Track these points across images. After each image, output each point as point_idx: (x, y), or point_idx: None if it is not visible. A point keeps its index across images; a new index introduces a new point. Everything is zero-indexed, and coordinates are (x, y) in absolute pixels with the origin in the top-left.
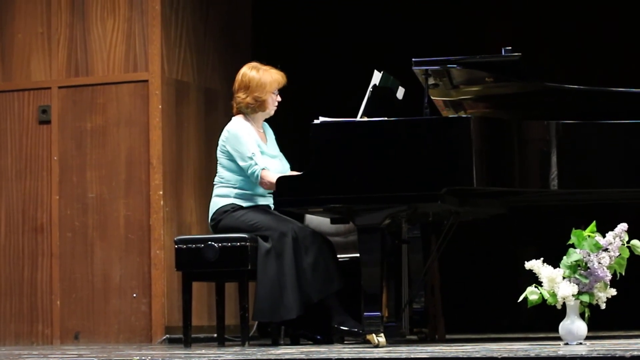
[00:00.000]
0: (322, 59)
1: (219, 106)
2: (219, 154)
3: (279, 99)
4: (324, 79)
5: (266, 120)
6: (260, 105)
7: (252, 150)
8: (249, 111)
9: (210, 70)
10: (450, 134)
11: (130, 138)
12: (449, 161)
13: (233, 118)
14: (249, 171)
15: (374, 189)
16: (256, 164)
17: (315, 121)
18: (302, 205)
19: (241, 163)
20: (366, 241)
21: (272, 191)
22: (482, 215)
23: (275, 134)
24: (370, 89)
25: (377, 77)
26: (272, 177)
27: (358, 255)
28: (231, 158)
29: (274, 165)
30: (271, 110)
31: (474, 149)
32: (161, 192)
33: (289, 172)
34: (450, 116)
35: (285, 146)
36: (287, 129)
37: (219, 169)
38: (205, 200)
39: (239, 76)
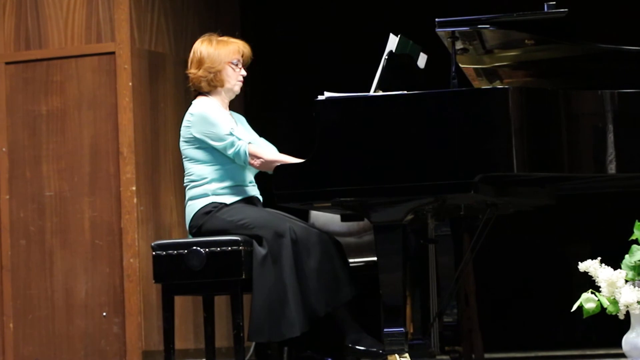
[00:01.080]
0: (324, 21)
1: None
2: (183, 146)
3: (242, 72)
4: (327, 45)
5: (245, 113)
6: (215, 77)
7: (228, 125)
8: (205, 86)
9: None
10: (484, 109)
11: (94, 123)
12: (484, 142)
13: (193, 101)
14: (232, 150)
15: (392, 177)
16: (239, 139)
17: (320, 97)
18: (305, 200)
19: (217, 144)
20: (384, 241)
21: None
22: (525, 207)
23: (266, 119)
24: (385, 56)
25: (393, 42)
26: (263, 152)
27: (375, 258)
28: (200, 146)
29: None
30: (233, 84)
31: (513, 127)
32: (134, 188)
33: (288, 157)
34: (484, 87)
35: (281, 136)
36: (281, 111)
37: (186, 165)
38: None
39: (191, 51)
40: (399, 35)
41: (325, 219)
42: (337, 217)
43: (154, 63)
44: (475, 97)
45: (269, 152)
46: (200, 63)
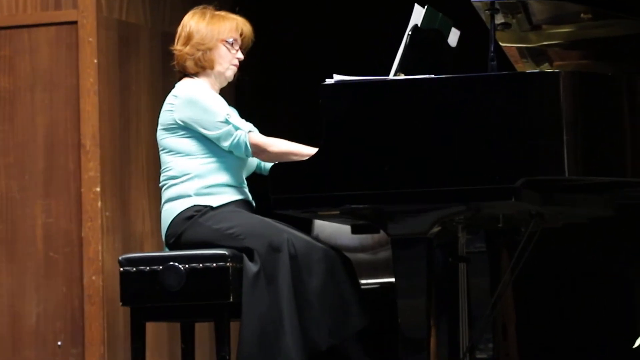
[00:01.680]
0: (320, 18)
1: None
2: (162, 135)
3: (239, 55)
4: (323, 42)
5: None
6: (204, 56)
7: (223, 110)
8: (191, 66)
9: (170, 8)
10: (529, 98)
11: (51, 109)
12: (528, 138)
13: (177, 84)
14: (228, 142)
15: (415, 180)
16: (237, 128)
17: (328, 81)
18: (308, 207)
19: (210, 133)
20: (405, 259)
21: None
22: (578, 218)
23: (264, 109)
24: (408, 32)
25: (418, 15)
26: (269, 141)
27: (392, 280)
28: (184, 134)
29: None
30: (225, 67)
31: (564, 120)
32: (98, 189)
33: (301, 147)
34: (529, 71)
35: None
36: (284, 99)
37: (165, 158)
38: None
39: (179, 26)
40: (425, 6)
41: (332, 230)
42: (347, 228)
43: (125, 36)
44: (519, 83)
45: (276, 141)
46: (188, 39)
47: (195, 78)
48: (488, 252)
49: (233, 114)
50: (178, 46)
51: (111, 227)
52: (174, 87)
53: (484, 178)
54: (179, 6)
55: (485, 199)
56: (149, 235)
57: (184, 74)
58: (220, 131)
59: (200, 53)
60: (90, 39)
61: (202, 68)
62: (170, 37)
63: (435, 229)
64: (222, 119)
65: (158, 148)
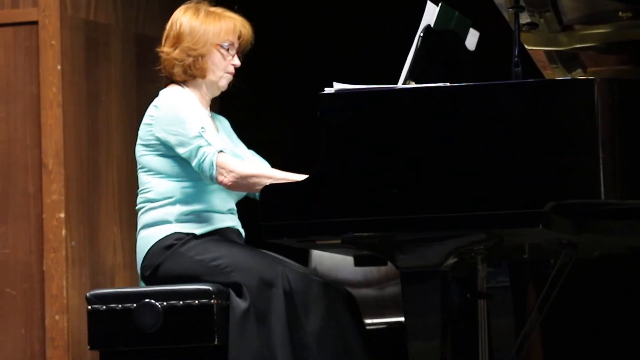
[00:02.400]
0: (316, 16)
1: (159, 66)
2: (140, 151)
3: (235, 61)
4: (320, 41)
5: (219, 108)
6: (195, 64)
7: (199, 123)
8: (179, 73)
9: (146, 6)
10: (560, 110)
11: (7, 122)
12: (558, 156)
13: (161, 91)
14: (197, 159)
15: (428, 204)
16: (208, 144)
17: (327, 90)
18: (305, 235)
19: (181, 150)
20: (416, 295)
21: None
22: (616, 248)
23: (257, 126)
24: (419, 33)
25: (431, 13)
26: (238, 165)
27: (402, 319)
28: (164, 153)
29: None
30: (218, 76)
31: (600, 135)
32: (62, 215)
33: (280, 174)
34: (560, 79)
35: (274, 148)
36: (279, 101)
37: (143, 178)
38: (137, 224)
39: (168, 23)
40: (439, 4)
41: (332, 262)
42: (349, 260)
43: (93, 38)
44: (547, 92)
45: (249, 165)
46: (177, 40)
47: (183, 87)
48: (512, 287)
49: (210, 129)
50: (165, 47)
51: (77, 259)
52: (157, 94)
53: (507, 202)
54: (155, 4)
55: (508, 226)
56: (120, 268)
57: (171, 80)
58: (190, 147)
59: (190, 60)
60: (53, 42)
61: (191, 77)
62: (145, 39)
63: (451, 261)
64: (196, 133)
65: (132, 166)
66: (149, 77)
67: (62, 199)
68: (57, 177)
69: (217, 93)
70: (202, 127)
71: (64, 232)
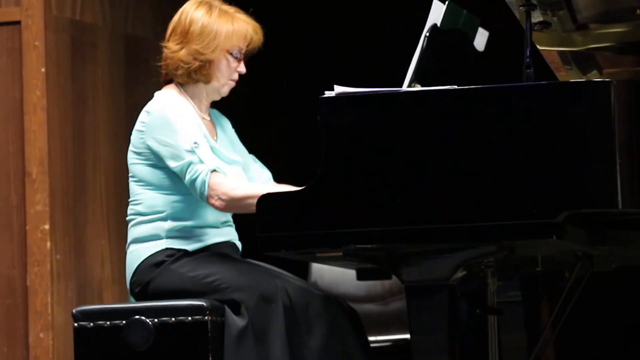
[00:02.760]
0: (317, 15)
1: (149, 68)
2: (132, 159)
3: (241, 69)
4: (321, 40)
5: (218, 107)
6: (202, 69)
7: (192, 137)
8: (182, 76)
9: (135, 4)
10: (574, 113)
11: None
12: (572, 162)
13: (156, 93)
14: (188, 176)
15: (434, 214)
16: (201, 162)
17: (328, 93)
18: (304, 247)
19: (171, 164)
20: (422, 311)
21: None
22: (635, 260)
23: (256, 129)
24: (425, 33)
25: (438, 12)
26: (231, 186)
27: (407, 336)
28: (156, 163)
29: (233, 173)
30: (222, 83)
31: (617, 140)
32: (47, 227)
33: (277, 186)
34: (574, 80)
35: (271, 153)
36: (276, 115)
37: (134, 189)
38: (126, 236)
39: (177, 15)
40: (447, 2)
41: (333, 276)
42: (352, 273)
43: (80, 38)
44: (561, 95)
45: (243, 186)
46: (185, 38)
47: (181, 90)
48: (524, 302)
49: (203, 145)
50: (171, 43)
51: (63, 273)
52: (147, 98)
53: (519, 211)
54: (145, 3)
55: (520, 237)
56: (109, 283)
57: (170, 79)
58: (182, 162)
59: (197, 64)
60: (37, 43)
61: (193, 80)
62: (134, 40)
63: (460, 274)
64: (188, 148)
65: (121, 174)
66: (138, 79)
67: (47, 209)
68: (42, 186)
69: (217, 98)
70: (195, 142)
71: (48, 244)
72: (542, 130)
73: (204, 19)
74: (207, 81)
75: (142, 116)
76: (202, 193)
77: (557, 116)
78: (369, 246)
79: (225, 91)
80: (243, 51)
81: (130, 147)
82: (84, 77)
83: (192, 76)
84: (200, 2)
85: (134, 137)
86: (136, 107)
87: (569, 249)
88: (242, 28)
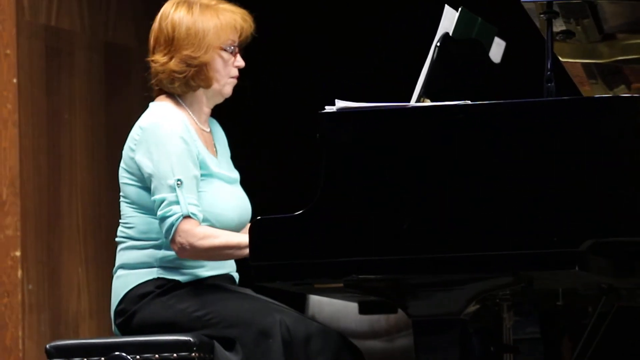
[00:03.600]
0: (311, 13)
1: (132, 79)
2: (124, 177)
3: (239, 62)
4: (315, 38)
5: (215, 116)
6: (199, 73)
7: (178, 171)
8: (180, 88)
9: (116, 9)
10: (600, 131)
11: None
12: (597, 185)
13: (151, 104)
14: (160, 212)
15: (444, 242)
16: (177, 203)
17: (328, 108)
18: (302, 277)
19: (153, 197)
20: (431, 349)
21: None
22: None
23: (245, 142)
24: (436, 43)
25: (450, 20)
26: (199, 236)
27: None
28: (147, 184)
29: (233, 196)
30: (223, 83)
31: None
32: (18, 254)
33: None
34: (599, 96)
35: (267, 169)
36: (273, 100)
37: (125, 209)
38: (107, 267)
39: (155, 22)
40: (459, 9)
41: (333, 309)
42: (354, 307)
43: (55, 47)
44: (586, 111)
45: (214, 234)
46: (173, 45)
47: (179, 102)
48: (543, 339)
49: (188, 182)
50: (158, 56)
51: (35, 305)
52: (128, 112)
53: (538, 239)
54: (127, 8)
55: (539, 268)
56: (86, 315)
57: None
58: (159, 196)
59: (193, 70)
60: (8, 51)
61: (193, 88)
62: (115, 48)
63: (472, 308)
64: (170, 182)
65: (100, 196)
66: (119, 92)
67: (18, 234)
68: (12, 209)
69: (220, 101)
70: (178, 180)
71: (19, 273)
72: (564, 150)
73: (187, 20)
74: (208, 85)
75: (135, 131)
76: (167, 235)
77: (580, 135)
78: (373, 276)
79: (227, 91)
80: (236, 44)
81: (122, 164)
82: (60, 89)
83: (190, 85)
84: (178, 3)
85: (126, 153)
86: (117, 123)
87: (593, 281)
88: (230, 19)
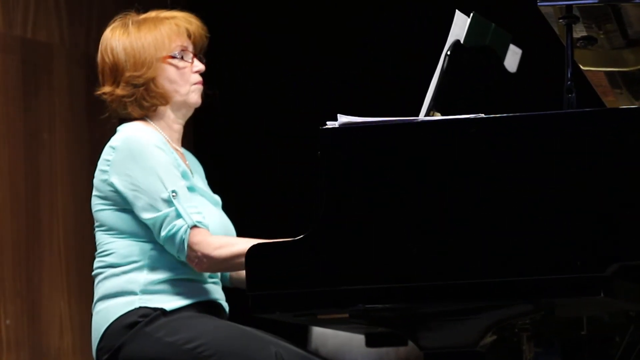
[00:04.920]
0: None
1: None
2: (98, 205)
3: (197, 66)
4: (286, 37)
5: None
6: (148, 91)
7: (169, 183)
8: (136, 111)
9: (97, 18)
10: (627, 146)
11: None
12: (624, 206)
13: (119, 127)
14: (164, 232)
15: (458, 267)
16: (179, 216)
17: (330, 124)
18: (303, 308)
19: (145, 216)
20: None
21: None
22: None
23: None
24: (446, 52)
25: (460, 26)
26: (214, 246)
27: None
28: (125, 206)
29: (218, 218)
30: (185, 92)
31: None
32: None
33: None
34: (625, 107)
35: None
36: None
37: (101, 237)
38: (92, 300)
39: (98, 52)
40: (471, 14)
41: (338, 342)
42: (360, 339)
43: (32, 61)
44: (610, 124)
45: (229, 242)
46: (116, 72)
47: (148, 122)
48: None
49: (182, 192)
50: (106, 88)
51: (14, 341)
52: (107, 125)
53: (559, 263)
54: (109, 18)
55: (561, 294)
56: (69, 353)
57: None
58: (156, 215)
59: (142, 89)
60: None
61: (151, 108)
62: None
63: (489, 339)
64: (165, 197)
65: (83, 223)
66: (103, 110)
67: None
68: None
69: (189, 113)
70: (173, 191)
71: None
72: (587, 167)
73: (123, 42)
74: (165, 102)
75: (106, 153)
76: (180, 253)
77: (603, 150)
78: (381, 306)
79: (193, 99)
80: (190, 48)
81: (94, 192)
82: (38, 107)
83: (144, 105)
84: (114, 27)
85: (97, 179)
86: (100, 143)
87: (620, 309)
88: (170, 26)
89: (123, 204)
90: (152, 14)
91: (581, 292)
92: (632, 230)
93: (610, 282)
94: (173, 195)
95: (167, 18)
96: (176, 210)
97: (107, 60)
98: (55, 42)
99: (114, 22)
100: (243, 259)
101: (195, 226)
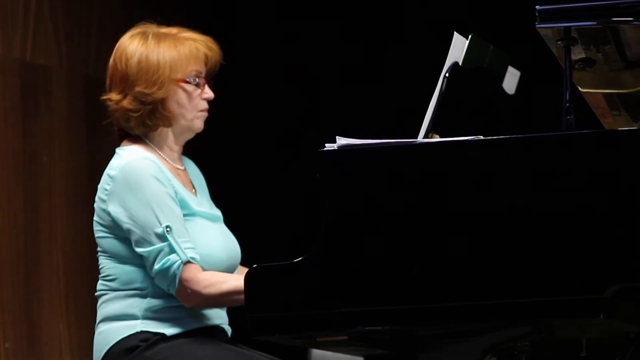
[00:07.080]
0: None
1: None
2: (99, 232)
3: (207, 93)
4: (332, 60)
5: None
6: (154, 112)
7: (164, 217)
8: (137, 127)
9: (97, 40)
10: (626, 167)
11: None
12: (623, 227)
13: (117, 149)
14: (157, 266)
15: (458, 289)
16: (172, 250)
17: (329, 146)
18: (302, 330)
19: (139, 248)
20: None
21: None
22: None
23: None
24: (445, 74)
25: (459, 48)
26: (204, 284)
27: None
28: (125, 235)
29: (219, 235)
30: (190, 118)
31: None
32: None
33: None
34: (625, 129)
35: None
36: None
37: (105, 262)
38: (91, 323)
39: (112, 57)
40: (470, 36)
41: None
42: None
43: (32, 83)
44: (609, 146)
45: (219, 279)
46: (125, 82)
47: (147, 144)
48: None
49: (178, 227)
50: (113, 94)
51: None
52: (106, 149)
53: (559, 285)
54: (109, 40)
55: (560, 316)
56: None
57: (126, 133)
58: (150, 248)
59: (148, 108)
60: None
61: (152, 128)
62: (97, 84)
63: None
64: (158, 231)
65: (82, 246)
66: (103, 132)
67: None
68: None
69: (190, 137)
70: (167, 226)
71: None
72: (586, 189)
73: (139, 52)
74: (168, 124)
75: (104, 181)
76: (170, 287)
77: (603, 172)
78: (380, 328)
79: (197, 125)
80: (203, 74)
81: (95, 218)
82: (37, 130)
83: (147, 124)
84: (134, 34)
85: (97, 205)
86: (100, 166)
87: (620, 330)
88: (190, 49)
89: (123, 233)
90: (174, 30)
91: (580, 313)
92: (631, 251)
93: (610, 304)
94: (167, 231)
95: (187, 39)
96: (169, 245)
97: (119, 67)
98: (54, 64)
99: (133, 30)
100: (232, 297)
101: (188, 262)
